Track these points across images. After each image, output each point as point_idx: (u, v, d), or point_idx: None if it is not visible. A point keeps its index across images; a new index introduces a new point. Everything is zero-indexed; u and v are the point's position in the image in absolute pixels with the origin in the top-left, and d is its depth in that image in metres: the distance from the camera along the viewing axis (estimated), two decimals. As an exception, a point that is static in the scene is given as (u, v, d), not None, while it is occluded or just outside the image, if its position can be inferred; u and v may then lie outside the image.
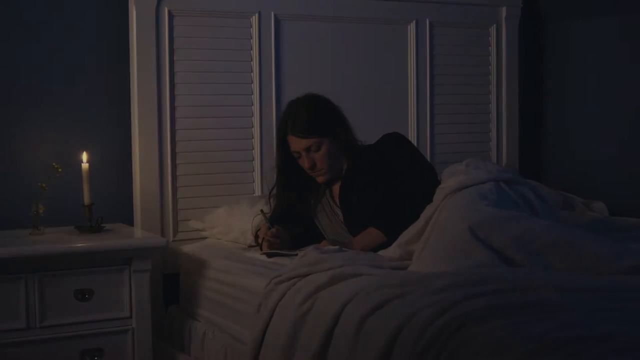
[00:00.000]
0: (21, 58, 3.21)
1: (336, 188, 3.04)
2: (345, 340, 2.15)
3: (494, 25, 3.99)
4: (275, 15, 3.51)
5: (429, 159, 3.75)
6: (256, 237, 3.05)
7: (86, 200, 3.03)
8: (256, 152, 3.50)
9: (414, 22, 3.79)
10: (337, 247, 2.66)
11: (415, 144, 3.75)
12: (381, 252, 2.70)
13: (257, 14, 3.47)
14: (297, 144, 2.96)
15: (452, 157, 3.78)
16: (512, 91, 4.05)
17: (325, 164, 2.97)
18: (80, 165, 3.09)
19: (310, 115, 2.96)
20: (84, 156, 3.05)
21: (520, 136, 4.12)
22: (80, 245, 2.82)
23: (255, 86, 3.49)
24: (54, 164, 3.01)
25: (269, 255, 2.92)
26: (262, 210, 3.03)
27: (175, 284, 3.33)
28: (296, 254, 2.82)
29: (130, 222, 3.33)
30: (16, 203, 3.15)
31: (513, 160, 4.07)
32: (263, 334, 2.48)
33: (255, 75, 3.48)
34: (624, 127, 3.86)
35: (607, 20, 3.89)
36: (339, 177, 3.03)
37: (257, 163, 3.51)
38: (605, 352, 1.64)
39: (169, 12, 3.31)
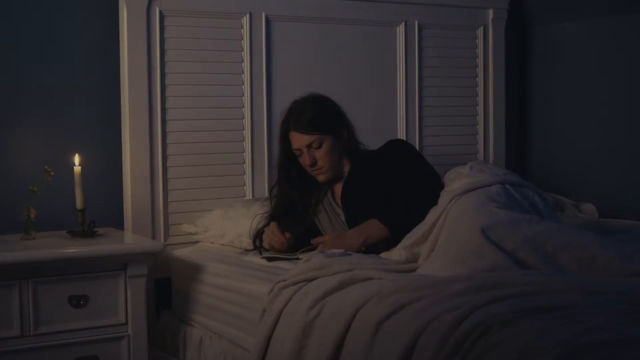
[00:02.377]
0: (11, 59, 3.13)
1: (338, 188, 3.02)
2: (360, 345, 2.11)
3: (481, 27, 4.00)
4: (266, 16, 3.46)
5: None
6: (254, 240, 3.01)
7: (79, 204, 2.95)
8: (247, 155, 3.45)
9: (403, 23, 3.78)
10: (342, 250, 2.62)
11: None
12: (384, 254, 2.67)
13: (248, 15, 3.42)
14: (298, 140, 2.94)
15: (440, 159, 3.78)
16: (498, 92, 4.06)
17: (326, 162, 2.95)
18: (69, 168, 3.02)
19: (313, 112, 2.95)
20: (76, 159, 2.97)
21: (507, 137, 4.13)
22: (76, 250, 2.74)
23: (246, 87, 3.44)
24: (46, 167, 2.92)
25: (270, 259, 2.87)
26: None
27: (165, 289, 3.27)
28: (298, 258, 2.78)
29: (120, 226, 3.26)
30: (3, 207, 3.08)
31: (499, 161, 4.07)
32: (268, 340, 2.43)
33: (246, 76, 3.44)
34: (609, 129, 3.88)
35: (592, 22, 3.91)
36: (340, 178, 3.00)
37: (248, 166, 3.46)
38: (638, 357, 1.64)
39: (160, 13, 3.25)
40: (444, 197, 2.60)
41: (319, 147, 2.94)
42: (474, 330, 1.85)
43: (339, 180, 3.02)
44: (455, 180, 2.70)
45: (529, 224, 2.38)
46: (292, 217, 3.01)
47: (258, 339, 2.44)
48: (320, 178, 3.00)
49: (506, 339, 1.79)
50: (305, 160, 2.96)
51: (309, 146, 2.94)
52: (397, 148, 2.99)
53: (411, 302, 2.09)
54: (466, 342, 1.84)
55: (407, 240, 2.60)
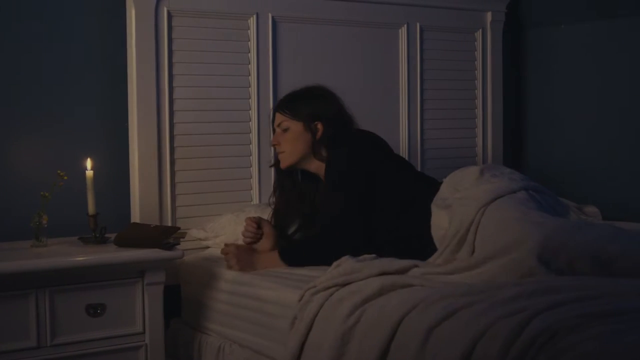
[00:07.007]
0: (17, 62, 3.04)
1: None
2: (410, 352, 2.06)
3: (480, 29, 4.00)
4: (272, 17, 3.41)
5: (419, 156, 3.78)
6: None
7: (91, 209, 2.85)
8: (254, 158, 3.39)
9: (405, 25, 3.76)
10: (373, 255, 2.57)
11: (406, 144, 3.76)
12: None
13: (254, 16, 3.36)
14: (275, 120, 2.97)
15: (442, 161, 3.83)
16: (496, 93, 4.07)
17: (286, 147, 2.92)
18: (76, 173, 2.93)
19: (294, 95, 2.98)
20: (88, 163, 2.87)
21: (504, 136, 4.13)
22: (96, 257, 2.64)
23: (253, 89, 3.38)
24: (59, 171, 2.82)
25: None
26: None
27: (171, 297, 3.17)
28: None
29: (126, 231, 3.17)
30: (11, 213, 2.98)
31: (497, 159, 4.08)
32: (301, 347, 2.37)
33: (253, 78, 3.38)
34: (604, 130, 3.90)
35: (587, 25, 3.93)
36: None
37: (255, 170, 3.39)
38: None
39: (168, 13, 3.17)
40: (468, 208, 2.49)
41: (286, 130, 2.92)
42: (539, 336, 1.81)
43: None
44: (471, 188, 2.60)
45: (579, 231, 2.28)
46: (290, 217, 3.00)
47: (291, 347, 2.38)
48: (281, 163, 2.97)
49: (575, 344, 1.76)
50: (272, 139, 2.98)
51: (279, 126, 2.94)
52: (329, 168, 2.85)
53: (462, 308, 2.04)
54: (532, 349, 1.80)
55: (437, 258, 2.52)
